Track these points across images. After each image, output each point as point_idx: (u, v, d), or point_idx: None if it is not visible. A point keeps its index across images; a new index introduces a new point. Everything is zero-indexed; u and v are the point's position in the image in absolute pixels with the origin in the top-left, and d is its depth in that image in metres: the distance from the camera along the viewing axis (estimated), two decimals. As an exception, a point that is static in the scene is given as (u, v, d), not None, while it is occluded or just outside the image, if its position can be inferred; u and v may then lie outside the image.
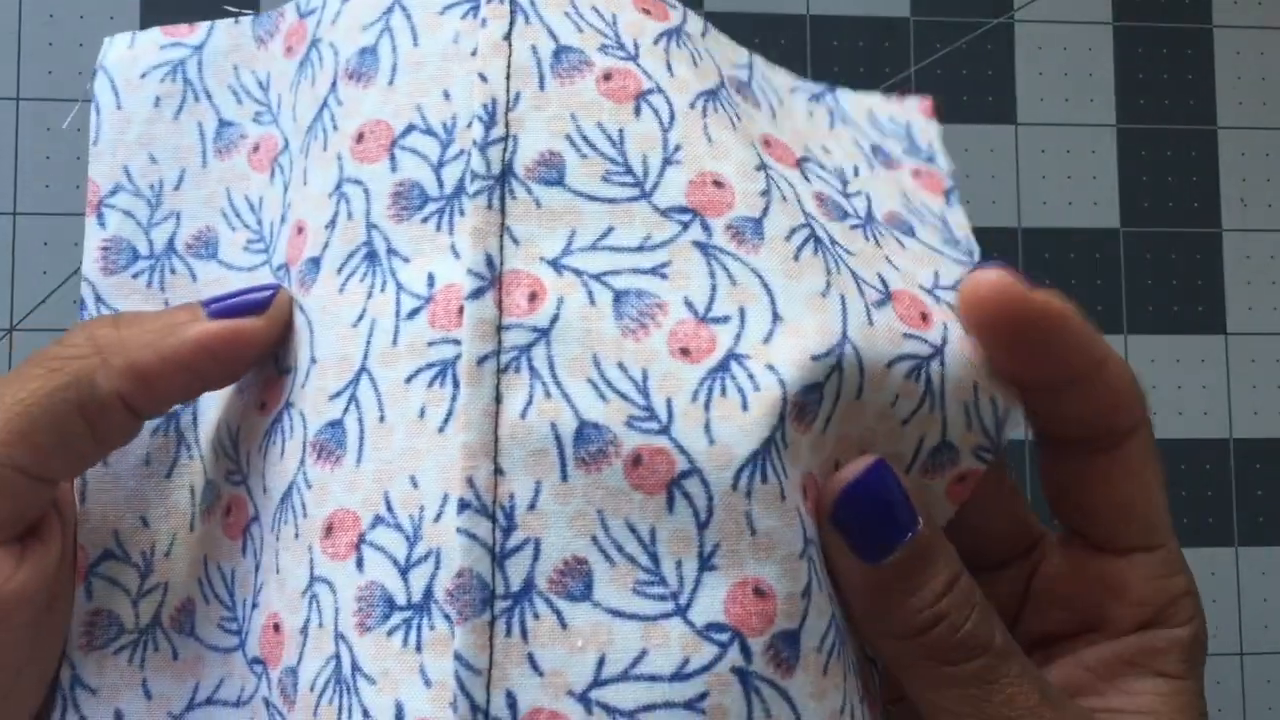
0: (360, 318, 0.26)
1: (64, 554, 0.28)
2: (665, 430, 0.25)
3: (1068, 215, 0.46)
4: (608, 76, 0.27)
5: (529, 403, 0.25)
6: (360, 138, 0.27)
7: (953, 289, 0.27)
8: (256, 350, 0.27)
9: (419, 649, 0.24)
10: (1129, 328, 0.45)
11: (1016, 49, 0.46)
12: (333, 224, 0.27)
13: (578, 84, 0.27)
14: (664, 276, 0.27)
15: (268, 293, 0.28)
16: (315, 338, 0.27)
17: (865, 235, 0.29)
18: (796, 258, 0.27)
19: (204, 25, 0.31)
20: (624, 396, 0.25)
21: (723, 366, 0.25)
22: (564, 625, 0.24)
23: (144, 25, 0.42)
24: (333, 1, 0.30)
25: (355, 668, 0.25)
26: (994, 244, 0.45)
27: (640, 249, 0.27)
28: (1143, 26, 0.47)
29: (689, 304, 0.26)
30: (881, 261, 0.28)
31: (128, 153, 0.30)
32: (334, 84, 0.28)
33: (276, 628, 0.26)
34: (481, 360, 0.25)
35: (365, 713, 0.24)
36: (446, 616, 0.24)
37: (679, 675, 0.24)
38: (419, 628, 0.24)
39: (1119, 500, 0.28)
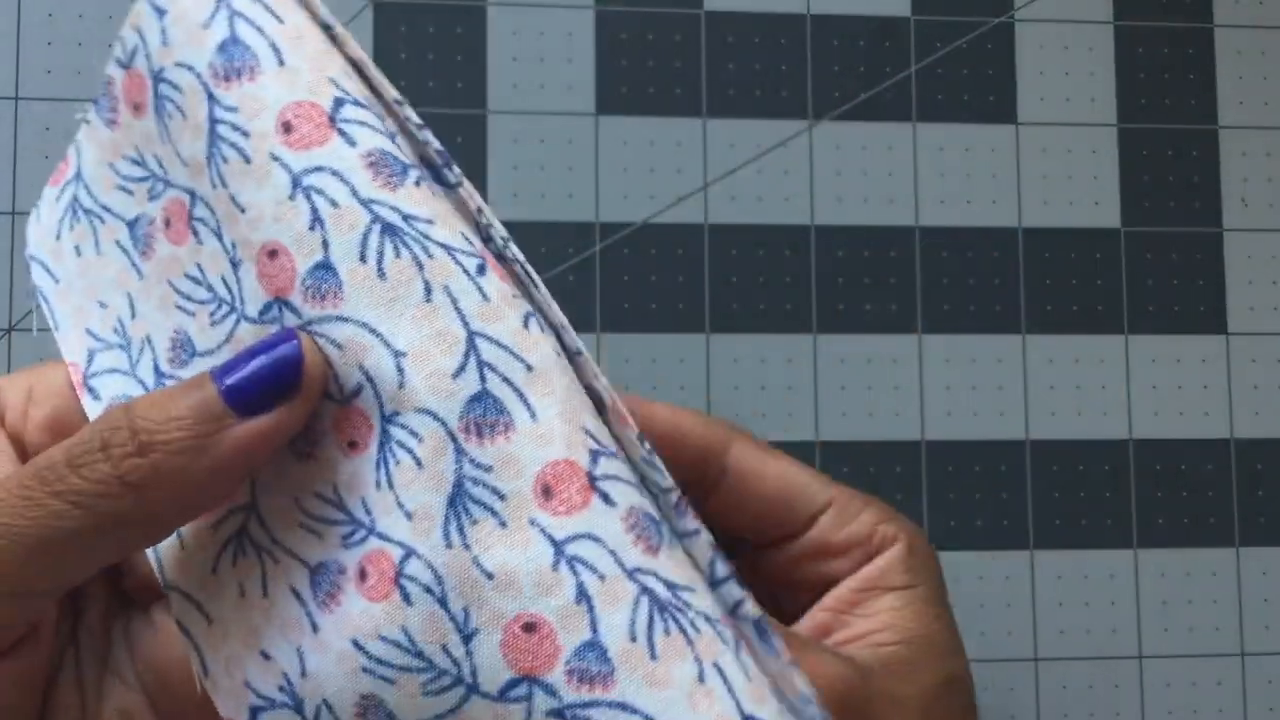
0: (428, 290, 0.24)
1: (51, 656, 0.26)
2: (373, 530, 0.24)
3: (1068, 215, 0.45)
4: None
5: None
6: (288, 127, 0.25)
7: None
8: (299, 428, 0.25)
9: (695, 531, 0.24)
10: (1129, 328, 0.45)
11: (1017, 49, 0.46)
12: (318, 221, 0.24)
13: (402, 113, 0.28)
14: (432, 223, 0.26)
15: (294, 352, 0.24)
16: (385, 333, 0.24)
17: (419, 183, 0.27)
18: None
19: (72, 149, 0.29)
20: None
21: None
22: None
23: (144, 25, 0.42)
24: (150, 26, 0.27)
25: (672, 587, 0.23)
26: (994, 244, 0.45)
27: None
28: (1144, 26, 0.46)
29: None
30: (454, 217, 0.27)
31: (81, 316, 0.27)
32: (210, 96, 0.25)
33: (530, 628, 0.23)
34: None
35: (708, 618, 0.24)
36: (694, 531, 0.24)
37: None
38: (685, 511, 0.24)
39: (760, 503, 0.30)
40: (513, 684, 0.23)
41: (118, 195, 0.28)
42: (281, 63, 0.25)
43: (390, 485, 0.24)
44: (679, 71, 0.44)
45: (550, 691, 0.23)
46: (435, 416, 0.24)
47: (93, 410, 0.27)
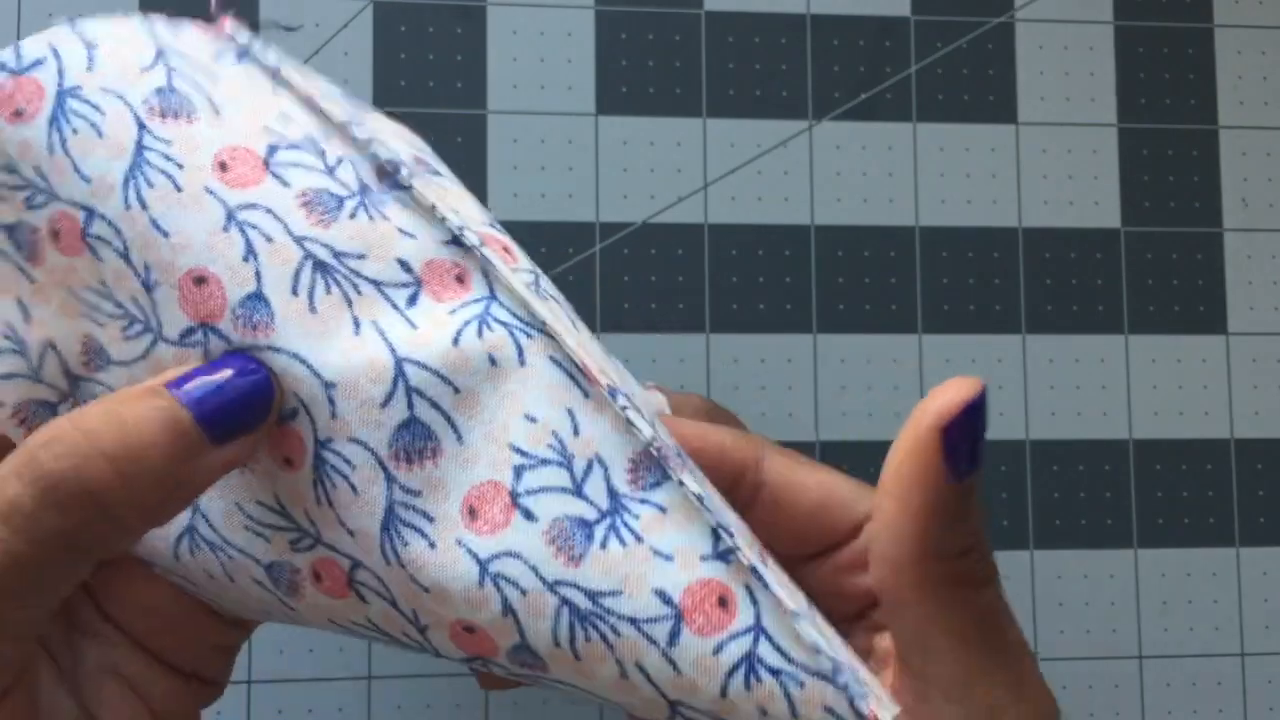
0: (357, 325, 0.25)
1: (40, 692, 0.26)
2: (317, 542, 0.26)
3: (1068, 215, 0.45)
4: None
5: (571, 315, 0.27)
6: (224, 166, 0.25)
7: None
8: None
9: (639, 539, 0.25)
10: (1129, 328, 0.45)
11: (1017, 48, 0.46)
12: (251, 254, 0.25)
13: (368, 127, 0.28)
14: (365, 257, 0.27)
15: (266, 384, 0.24)
16: (315, 365, 0.25)
17: (368, 216, 0.27)
18: None
19: None
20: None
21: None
22: None
23: (144, 25, 0.42)
24: (71, 52, 0.27)
25: (591, 596, 0.25)
26: (994, 244, 0.45)
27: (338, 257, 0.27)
28: (1144, 26, 0.46)
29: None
30: (396, 237, 0.27)
31: None
32: (141, 125, 0.26)
33: (469, 629, 0.25)
34: (533, 287, 0.26)
35: (632, 620, 0.25)
36: (643, 501, 0.25)
37: None
38: (622, 525, 0.25)
39: (801, 515, 0.29)
40: (469, 659, 0.26)
41: None
42: (217, 113, 0.26)
43: (330, 504, 0.25)
44: (679, 71, 0.44)
45: (499, 665, 0.26)
46: (366, 446, 0.25)
47: None
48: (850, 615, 0.30)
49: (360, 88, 0.43)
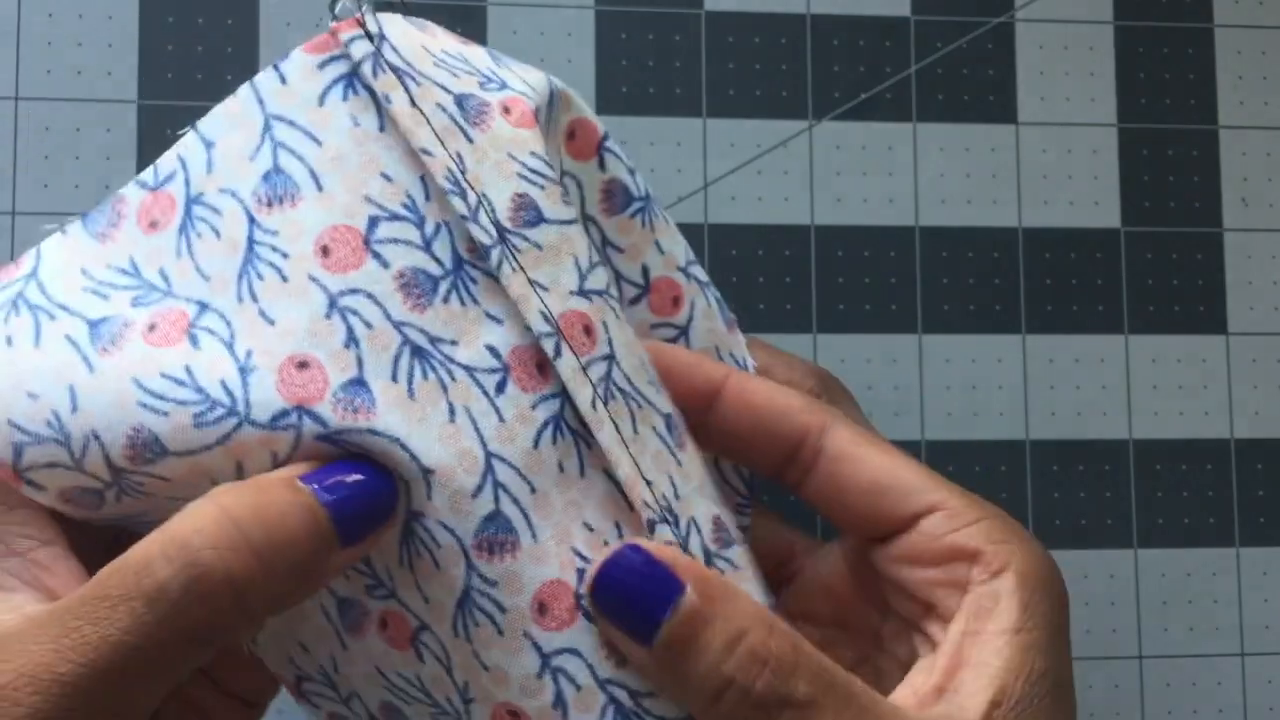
0: (452, 412, 0.26)
1: None
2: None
3: (1068, 215, 0.45)
4: (506, 109, 0.28)
5: (633, 420, 0.28)
6: (325, 251, 0.27)
7: (599, 294, 0.28)
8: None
9: None
10: (1129, 328, 0.45)
11: (1017, 49, 0.46)
12: (353, 341, 0.26)
13: (494, 125, 0.28)
14: (622, 251, 0.31)
15: (392, 491, 0.25)
16: (415, 450, 0.26)
17: (642, 221, 0.31)
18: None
19: (31, 252, 0.29)
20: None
21: None
22: None
23: (142, 23, 0.42)
24: (195, 156, 0.28)
25: (635, 696, 0.27)
26: (994, 244, 0.45)
27: (617, 246, 0.29)
28: (1144, 26, 0.46)
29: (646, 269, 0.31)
30: (650, 247, 0.31)
31: (4, 405, 0.27)
32: (251, 220, 0.27)
33: (514, 714, 0.27)
34: (593, 404, 0.27)
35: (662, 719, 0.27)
36: None
37: None
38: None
39: (860, 490, 0.28)
40: None
41: (84, 297, 0.28)
42: (320, 188, 0.27)
43: (411, 569, 0.27)
44: (679, 71, 0.44)
45: None
46: (453, 533, 0.26)
47: (41, 498, 0.27)
48: (909, 607, 0.29)
49: (360, 87, 0.43)
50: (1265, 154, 0.46)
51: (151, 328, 0.27)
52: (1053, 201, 0.46)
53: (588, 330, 0.28)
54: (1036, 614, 0.28)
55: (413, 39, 0.29)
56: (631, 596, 0.26)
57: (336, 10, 0.28)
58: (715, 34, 0.45)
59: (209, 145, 0.28)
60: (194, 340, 0.27)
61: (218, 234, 0.28)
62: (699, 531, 0.28)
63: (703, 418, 0.29)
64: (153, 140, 0.42)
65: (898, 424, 0.44)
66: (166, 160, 0.29)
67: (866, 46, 0.45)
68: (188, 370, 0.26)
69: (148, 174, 0.29)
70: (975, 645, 0.27)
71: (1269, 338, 0.46)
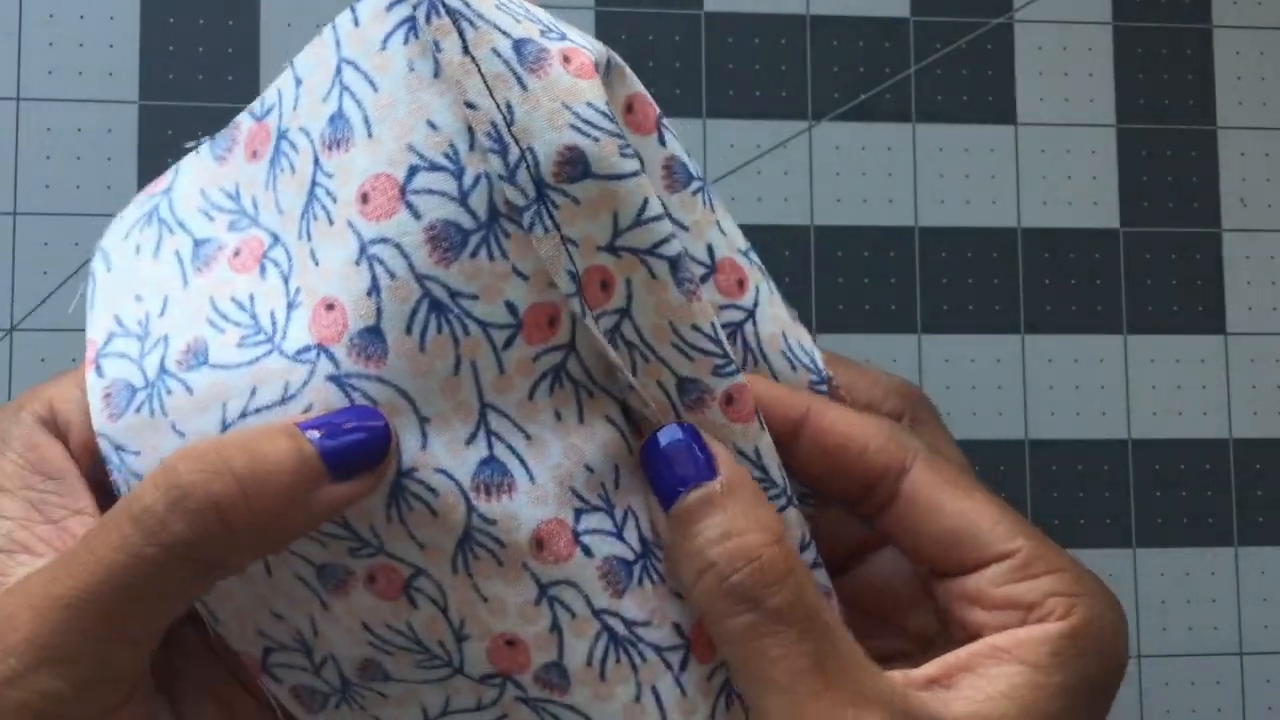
0: (458, 364, 0.27)
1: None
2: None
3: (1068, 215, 0.46)
4: (566, 59, 0.28)
5: (634, 369, 0.29)
6: (365, 198, 0.27)
7: (633, 251, 0.29)
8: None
9: (663, 580, 0.29)
10: (1129, 328, 0.45)
11: (1016, 49, 0.46)
12: (375, 289, 0.27)
13: (551, 72, 0.27)
14: (687, 229, 0.30)
15: (384, 431, 0.26)
16: (416, 398, 0.27)
17: (703, 200, 0.31)
18: None
19: (171, 169, 0.32)
20: (705, 353, 0.29)
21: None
22: None
23: (143, 24, 0.42)
24: (288, 91, 0.30)
25: (629, 625, 0.28)
26: (994, 244, 0.45)
27: (668, 216, 0.29)
28: (1143, 27, 0.47)
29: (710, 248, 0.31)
30: (712, 227, 0.31)
31: (116, 302, 0.30)
32: (316, 162, 0.28)
33: (510, 643, 0.28)
34: (611, 330, 0.28)
35: (656, 648, 0.28)
36: (660, 547, 0.29)
37: None
38: (651, 567, 0.29)
39: (936, 538, 0.29)
40: (491, 675, 0.29)
41: (197, 217, 0.30)
42: (370, 135, 0.28)
43: (402, 521, 0.28)
44: (679, 71, 0.44)
45: (519, 686, 0.29)
46: (451, 477, 0.27)
47: (93, 387, 0.28)
48: (964, 641, 0.29)
49: (361, 88, 0.43)
50: (1264, 154, 0.46)
51: (237, 253, 0.29)
52: (1052, 202, 0.46)
53: (605, 285, 0.28)
54: (1073, 666, 0.27)
55: None
56: (670, 463, 0.28)
57: None
58: (715, 34, 0.45)
59: (299, 82, 0.30)
60: (263, 270, 0.29)
61: (293, 170, 0.29)
62: None
63: (787, 452, 0.30)
64: (154, 141, 0.42)
65: (897, 424, 0.44)
66: (270, 93, 0.30)
67: (866, 46, 0.45)
68: (251, 298, 0.28)
69: (256, 104, 0.31)
70: (992, 662, 0.27)
71: (1267, 338, 0.46)
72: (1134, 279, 0.46)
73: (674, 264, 0.28)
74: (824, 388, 0.30)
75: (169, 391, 0.28)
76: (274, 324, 0.28)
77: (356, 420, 0.26)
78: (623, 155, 0.27)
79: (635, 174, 0.28)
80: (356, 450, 0.26)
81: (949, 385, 0.44)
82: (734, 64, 0.45)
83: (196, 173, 0.31)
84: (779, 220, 0.44)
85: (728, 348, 0.29)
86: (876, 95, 0.45)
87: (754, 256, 0.31)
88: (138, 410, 0.28)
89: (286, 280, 0.28)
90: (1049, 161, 0.46)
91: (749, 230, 0.44)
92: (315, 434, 0.26)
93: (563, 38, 0.28)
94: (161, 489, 0.24)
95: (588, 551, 0.28)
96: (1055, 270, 0.45)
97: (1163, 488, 0.45)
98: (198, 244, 0.30)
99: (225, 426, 0.27)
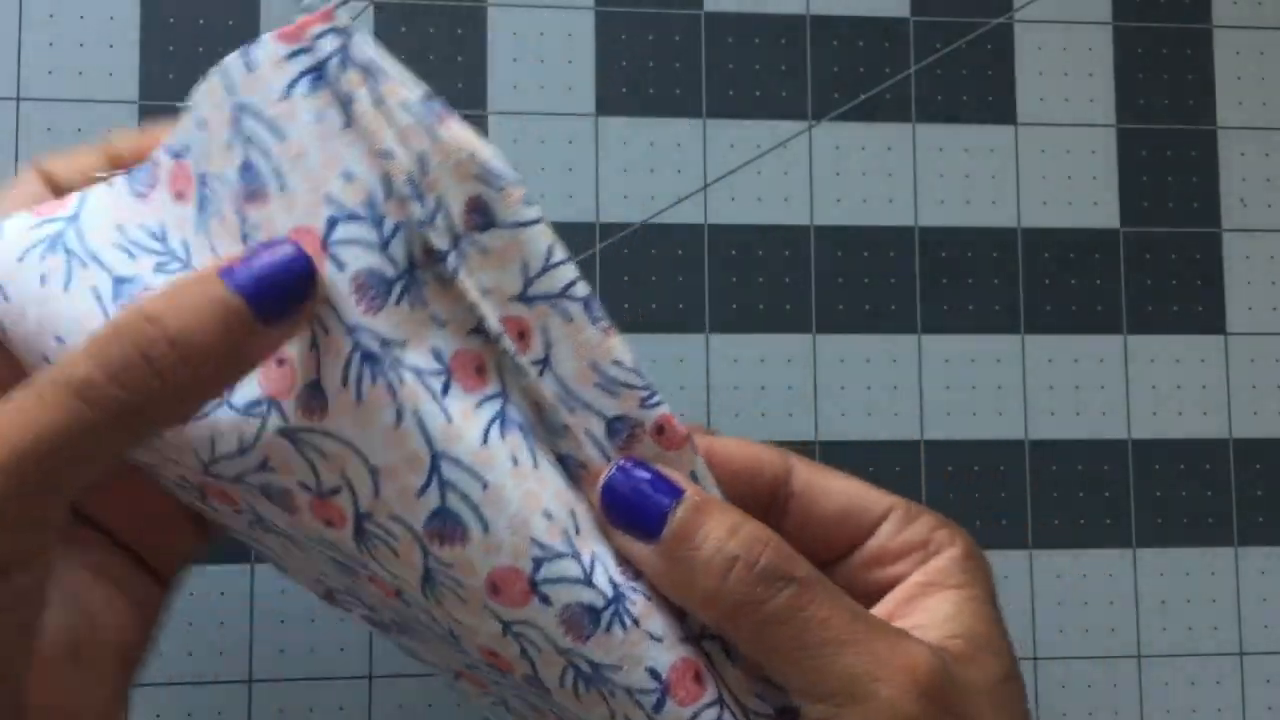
0: (400, 415, 0.27)
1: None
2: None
3: (1068, 215, 0.46)
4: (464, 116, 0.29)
5: (571, 415, 0.29)
6: None
7: (545, 299, 0.29)
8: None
9: (636, 624, 0.29)
10: (1129, 328, 0.45)
11: (1016, 49, 0.46)
12: (315, 345, 0.27)
13: (453, 125, 0.28)
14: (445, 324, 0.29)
15: (307, 269, 0.27)
16: (363, 449, 0.27)
17: (449, 269, 0.29)
18: None
19: (75, 196, 0.30)
20: (629, 386, 0.29)
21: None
22: None
23: (143, 25, 0.42)
24: (196, 136, 0.29)
25: (594, 665, 0.28)
26: (994, 244, 0.45)
27: (568, 261, 0.29)
28: (1142, 27, 0.47)
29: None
30: (471, 291, 0.29)
31: (34, 341, 0.29)
32: (241, 215, 0.28)
33: (493, 654, 0.29)
34: (535, 402, 0.29)
35: (628, 690, 0.29)
36: (634, 589, 0.29)
37: None
38: (624, 611, 0.29)
39: (828, 519, 0.32)
40: (474, 664, 0.30)
41: (115, 252, 0.29)
42: (283, 187, 0.28)
43: (373, 557, 0.28)
44: (679, 72, 0.44)
45: (513, 682, 0.30)
46: (404, 524, 0.28)
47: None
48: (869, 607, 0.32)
49: (361, 88, 0.43)
50: (1264, 154, 0.46)
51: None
52: (1052, 202, 0.46)
53: (522, 335, 0.29)
54: (978, 576, 0.32)
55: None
56: (640, 495, 0.29)
57: (305, 2, 0.28)
58: (715, 34, 0.45)
59: (200, 125, 0.29)
60: None
61: (222, 219, 0.28)
62: None
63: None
64: (154, 140, 0.42)
65: (897, 424, 0.44)
66: (181, 130, 0.30)
67: (866, 47, 0.45)
68: None
69: (173, 139, 0.30)
70: (926, 595, 0.31)
71: (1267, 338, 0.46)
72: (1134, 279, 0.46)
73: (586, 304, 0.29)
74: (655, 399, 0.30)
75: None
76: None
77: (276, 259, 0.27)
78: (525, 204, 0.28)
79: (538, 220, 0.29)
80: (283, 293, 0.26)
81: (949, 385, 0.44)
82: (734, 64, 0.45)
83: (111, 206, 0.30)
84: (779, 220, 0.44)
85: (649, 379, 0.30)
86: (876, 95, 0.45)
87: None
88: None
89: None
90: (1049, 161, 0.46)
91: (749, 230, 0.44)
92: (232, 277, 0.26)
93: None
94: (95, 360, 0.25)
95: (545, 600, 0.28)
96: (1055, 270, 0.45)
97: (1163, 488, 0.45)
98: (119, 281, 0.29)
99: (207, 467, 0.28)
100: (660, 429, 0.30)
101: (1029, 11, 0.46)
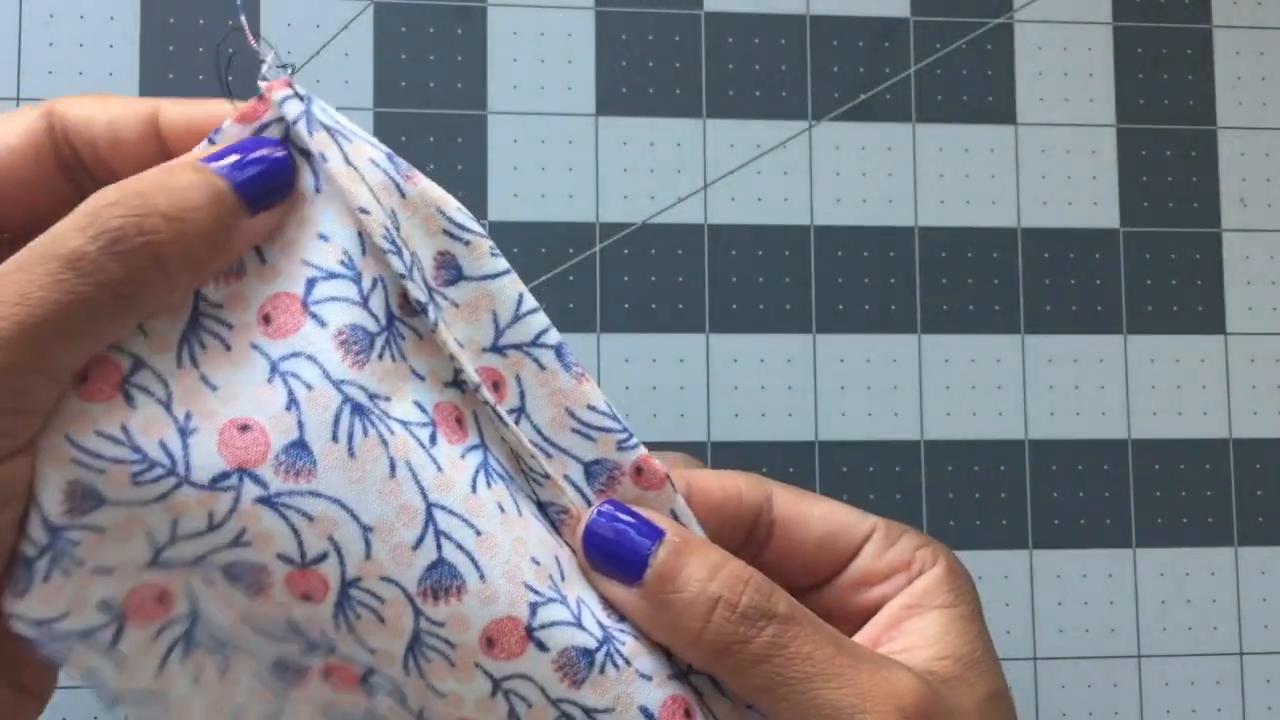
0: (393, 466, 0.27)
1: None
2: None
3: (1068, 215, 0.46)
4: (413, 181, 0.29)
5: (549, 461, 0.29)
6: (267, 319, 0.27)
7: (517, 348, 0.30)
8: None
9: (628, 663, 0.29)
10: (1129, 328, 0.45)
11: (1016, 49, 0.46)
12: (293, 403, 0.27)
13: (422, 181, 0.29)
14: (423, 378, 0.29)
15: (284, 160, 0.27)
16: (354, 507, 0.27)
17: (432, 321, 0.29)
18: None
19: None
20: (605, 430, 0.29)
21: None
22: None
23: (143, 24, 0.42)
24: None
25: (589, 712, 0.28)
26: (993, 244, 0.45)
27: (539, 310, 0.29)
28: (1142, 27, 0.47)
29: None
30: (449, 344, 0.29)
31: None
32: (198, 295, 0.27)
33: None
34: (512, 452, 0.29)
35: None
36: (632, 634, 0.29)
37: None
38: (615, 651, 0.29)
39: (810, 545, 0.32)
40: None
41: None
42: (263, 260, 0.28)
43: (350, 629, 0.27)
44: (679, 72, 0.44)
45: None
46: (397, 584, 0.27)
47: None
48: (853, 633, 0.32)
49: (361, 88, 0.43)
50: (1264, 154, 0.46)
51: (83, 378, 0.26)
52: (1051, 202, 0.46)
53: (496, 386, 0.29)
54: (963, 594, 0.32)
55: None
56: (621, 540, 0.29)
57: (264, 72, 0.28)
58: (715, 34, 0.45)
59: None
60: (129, 397, 0.26)
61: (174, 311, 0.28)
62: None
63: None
64: (153, 140, 0.42)
65: (897, 424, 0.44)
66: None
67: (866, 47, 0.45)
68: (124, 429, 0.26)
69: None
70: (913, 616, 0.31)
71: (1267, 338, 0.46)
72: (1134, 279, 0.46)
73: (558, 351, 0.29)
74: (632, 441, 0.30)
75: (73, 544, 0.26)
76: (169, 455, 0.26)
77: (258, 152, 0.27)
78: (492, 255, 0.29)
79: (507, 272, 0.29)
80: (265, 181, 0.27)
81: (949, 385, 0.44)
82: (734, 64, 0.45)
83: None
84: (779, 220, 0.44)
85: (625, 422, 0.30)
86: (876, 95, 0.45)
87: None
88: (45, 578, 0.26)
89: (168, 406, 0.26)
90: (1049, 161, 0.46)
91: (749, 230, 0.44)
92: (221, 168, 0.27)
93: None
94: (91, 232, 0.24)
95: (542, 646, 0.28)
96: (1055, 270, 0.45)
97: (1162, 488, 0.45)
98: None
99: (159, 552, 0.26)
100: (639, 470, 0.30)
101: (1029, 11, 0.46)
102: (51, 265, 0.24)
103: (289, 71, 0.28)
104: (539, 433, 0.29)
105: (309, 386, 0.27)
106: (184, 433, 0.26)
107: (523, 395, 0.29)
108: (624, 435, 0.30)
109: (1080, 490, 0.45)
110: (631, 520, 0.29)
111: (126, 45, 0.42)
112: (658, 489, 0.30)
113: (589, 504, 0.30)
